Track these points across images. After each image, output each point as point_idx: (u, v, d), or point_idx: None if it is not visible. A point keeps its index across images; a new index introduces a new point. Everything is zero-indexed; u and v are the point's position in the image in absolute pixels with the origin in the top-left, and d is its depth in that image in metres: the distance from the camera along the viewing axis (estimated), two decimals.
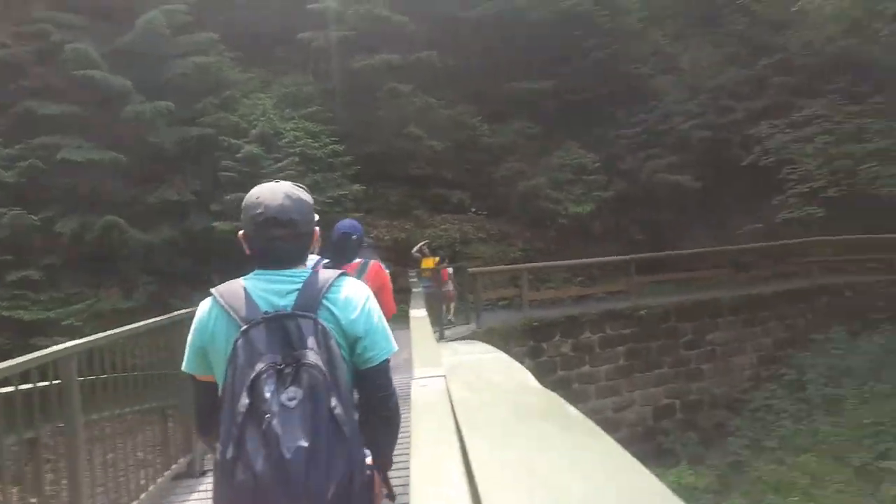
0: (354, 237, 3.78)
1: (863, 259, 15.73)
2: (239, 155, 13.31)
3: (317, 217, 1.80)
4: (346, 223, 3.92)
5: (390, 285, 4.04)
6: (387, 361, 1.70)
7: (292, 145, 13.78)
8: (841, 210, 14.44)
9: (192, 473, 4.35)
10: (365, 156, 15.52)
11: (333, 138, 14.65)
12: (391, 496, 1.88)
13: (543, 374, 12.07)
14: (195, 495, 4.09)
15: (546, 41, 17.42)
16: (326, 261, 3.29)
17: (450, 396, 2.04)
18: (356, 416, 1.61)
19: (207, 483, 4.11)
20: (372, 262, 3.96)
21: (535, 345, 12.15)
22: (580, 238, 16.22)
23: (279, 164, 13.32)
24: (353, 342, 1.64)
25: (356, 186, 14.09)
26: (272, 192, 1.70)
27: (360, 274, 3.67)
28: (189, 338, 1.68)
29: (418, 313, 4.45)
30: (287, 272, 1.67)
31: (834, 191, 11.81)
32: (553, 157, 16.25)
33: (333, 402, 1.49)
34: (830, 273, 15.36)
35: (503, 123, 16.78)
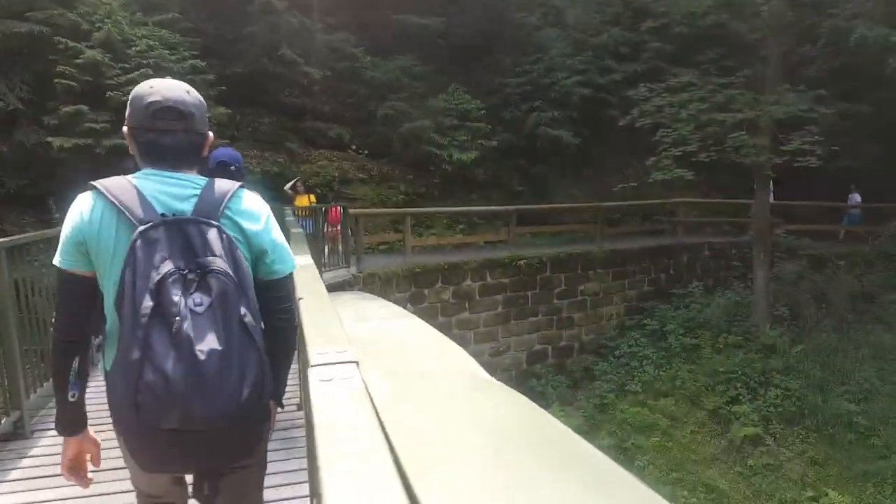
0: (234, 168, 3.48)
1: (720, 221, 17.19)
2: (79, 61, 11.54)
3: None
4: (224, 151, 3.63)
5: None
6: (291, 274, 1.72)
7: (144, 55, 12.11)
8: (705, 175, 15.57)
9: (21, 434, 3.74)
10: (231, 76, 14.17)
11: (194, 52, 13.12)
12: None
13: (424, 320, 11.96)
14: (27, 461, 3.45)
15: None
16: None
17: (374, 406, 1.12)
18: (260, 325, 1.58)
19: (42, 445, 3.65)
20: None
21: (416, 291, 11.93)
22: (462, 185, 16.12)
23: (128, 76, 11.69)
24: (258, 254, 1.62)
25: (221, 109, 12.78)
26: (169, 83, 1.63)
27: None
28: (64, 231, 1.55)
29: (303, 260, 3.09)
30: (183, 175, 1.60)
31: (705, 156, 12.56)
32: (438, 101, 15.84)
33: (243, 309, 1.48)
34: (692, 233, 16.68)
35: (388, 58, 16.05)
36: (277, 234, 1.68)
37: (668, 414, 11.76)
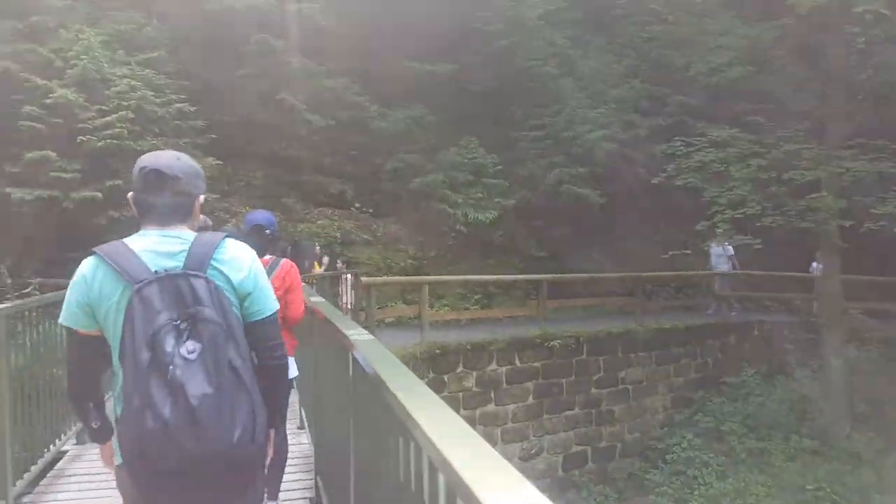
0: (268, 231, 3.71)
1: (760, 296, 16.09)
2: (48, 101, 10.44)
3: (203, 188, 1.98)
4: (259, 215, 3.86)
5: (300, 285, 3.87)
6: (273, 314, 1.97)
7: (125, 97, 10.96)
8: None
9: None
10: (222, 124, 13.07)
11: (182, 96, 11.99)
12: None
13: None
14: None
15: (444, 19, 16.10)
16: None
17: None
18: (251, 367, 1.83)
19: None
20: (283, 260, 3.82)
21: (435, 377, 10.57)
22: (478, 249, 14.94)
23: (105, 119, 10.58)
24: (242, 298, 1.88)
25: (211, 160, 11.54)
26: (163, 152, 2.00)
27: (269, 272, 3.49)
28: (69, 294, 1.85)
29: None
30: (173, 232, 1.87)
31: (770, 220, 11.52)
32: (451, 154, 14.79)
33: (232, 353, 1.73)
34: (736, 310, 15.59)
35: (395, 107, 15.05)
36: (261, 279, 1.93)
37: None
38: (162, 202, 1.84)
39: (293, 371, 3.71)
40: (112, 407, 1.89)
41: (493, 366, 11.33)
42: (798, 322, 14.51)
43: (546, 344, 11.80)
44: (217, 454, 1.64)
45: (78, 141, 10.12)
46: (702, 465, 11.57)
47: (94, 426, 1.96)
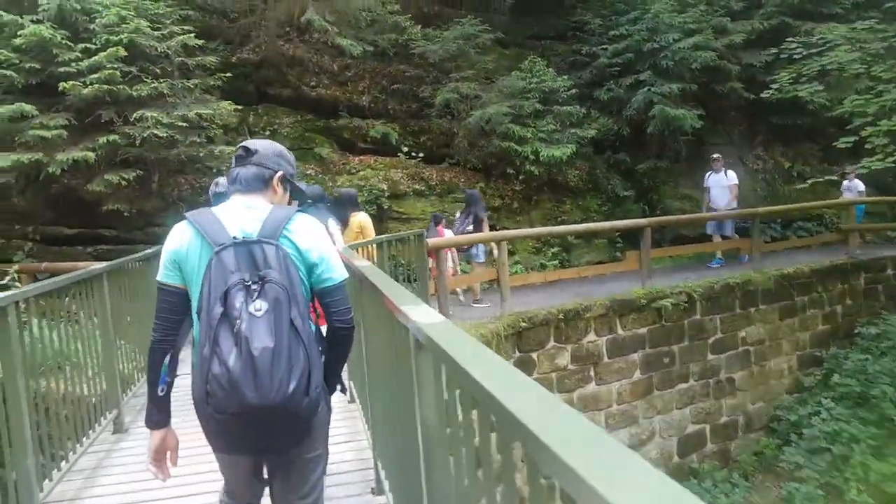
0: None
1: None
2: (19, 39, 8.76)
3: (291, 176, 2.35)
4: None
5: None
6: (341, 282, 2.23)
7: (114, 31, 9.22)
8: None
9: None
10: (240, 64, 11.37)
11: (187, 28, 10.20)
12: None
13: None
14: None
15: None
16: None
17: None
18: (312, 327, 2.13)
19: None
20: None
21: (522, 356, 8.95)
22: (550, 192, 13.06)
23: (90, 60, 8.84)
24: (310, 266, 2.17)
25: (226, 104, 9.85)
26: (258, 139, 2.46)
27: None
28: (163, 254, 2.18)
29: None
30: (253, 203, 2.20)
31: None
32: (513, 79, 12.74)
33: (293, 313, 1.98)
34: (868, 245, 13.60)
35: (444, 27, 13.01)
36: (326, 249, 2.21)
37: None
38: (243, 173, 2.25)
39: None
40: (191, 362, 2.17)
41: (591, 336, 9.62)
42: None
43: (653, 304, 10.03)
44: (274, 401, 1.89)
45: (60, 89, 8.49)
46: (851, 439, 9.77)
47: (160, 392, 2.18)
